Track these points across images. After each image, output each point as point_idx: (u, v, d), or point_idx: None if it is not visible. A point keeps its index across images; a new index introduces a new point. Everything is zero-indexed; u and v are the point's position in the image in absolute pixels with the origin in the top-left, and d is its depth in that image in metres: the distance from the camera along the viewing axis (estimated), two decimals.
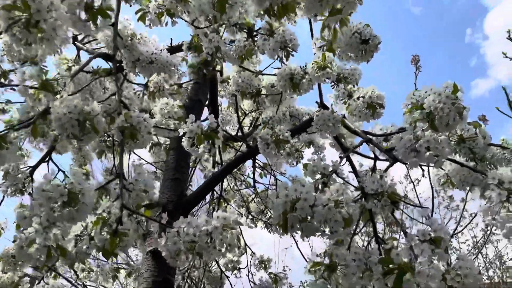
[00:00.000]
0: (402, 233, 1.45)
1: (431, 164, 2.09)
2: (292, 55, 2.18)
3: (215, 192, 4.82)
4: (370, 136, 2.39)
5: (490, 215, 1.43)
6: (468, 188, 2.87)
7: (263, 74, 2.71)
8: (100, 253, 1.14)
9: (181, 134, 1.77)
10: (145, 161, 3.94)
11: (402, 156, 2.06)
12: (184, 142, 1.77)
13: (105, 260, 1.68)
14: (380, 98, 2.07)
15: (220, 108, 4.53)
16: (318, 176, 1.72)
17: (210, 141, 1.80)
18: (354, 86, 2.20)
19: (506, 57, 2.75)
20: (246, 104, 3.31)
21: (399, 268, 1.27)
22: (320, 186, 1.68)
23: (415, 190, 3.71)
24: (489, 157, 2.64)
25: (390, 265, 1.32)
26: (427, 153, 1.97)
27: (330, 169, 1.73)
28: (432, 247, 1.43)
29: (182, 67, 2.60)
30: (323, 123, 2.43)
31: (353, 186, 1.74)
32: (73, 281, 3.38)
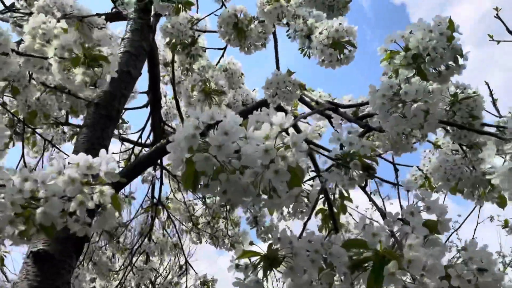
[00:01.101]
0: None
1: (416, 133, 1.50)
2: None
3: (154, 199, 4.18)
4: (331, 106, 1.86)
5: None
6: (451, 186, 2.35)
7: (199, 20, 2.14)
8: None
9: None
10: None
11: (379, 113, 1.46)
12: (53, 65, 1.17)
13: None
14: (351, 33, 1.56)
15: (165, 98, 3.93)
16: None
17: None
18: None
19: None
20: (179, 62, 2.72)
21: (377, 256, 0.91)
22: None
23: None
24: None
25: (363, 252, 0.73)
26: (414, 105, 1.41)
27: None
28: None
29: None
30: (277, 87, 1.88)
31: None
32: None
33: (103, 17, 2.78)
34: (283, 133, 0.98)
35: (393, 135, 1.70)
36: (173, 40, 2.03)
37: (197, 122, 0.96)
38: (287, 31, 1.95)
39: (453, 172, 2.36)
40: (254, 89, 3.59)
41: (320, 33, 1.52)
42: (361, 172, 1.33)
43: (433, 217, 1.20)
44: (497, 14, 2.81)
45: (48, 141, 3.56)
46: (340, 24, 1.51)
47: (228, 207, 3.26)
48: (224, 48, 2.16)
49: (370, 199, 1.36)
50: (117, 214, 1.11)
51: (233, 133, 0.94)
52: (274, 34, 2.23)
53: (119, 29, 3.19)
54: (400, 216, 1.23)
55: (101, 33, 1.36)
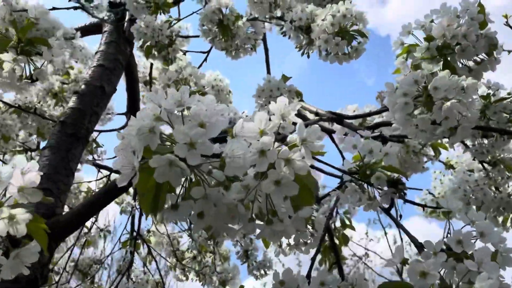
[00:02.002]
0: None
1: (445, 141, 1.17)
2: None
3: (134, 232, 3.79)
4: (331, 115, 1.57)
5: None
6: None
7: (179, 20, 1.85)
8: None
9: None
10: None
11: (399, 116, 1.06)
12: None
13: None
14: (361, 20, 1.27)
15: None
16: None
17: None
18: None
19: None
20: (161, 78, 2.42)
21: None
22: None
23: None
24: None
25: None
26: (447, 104, 1.07)
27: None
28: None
29: None
30: (270, 96, 1.59)
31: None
32: None
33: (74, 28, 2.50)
34: (286, 125, 0.67)
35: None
36: (148, 42, 1.73)
37: (158, 110, 0.65)
38: (281, 27, 1.67)
39: (474, 194, 2.04)
40: (244, 112, 3.31)
41: (323, 19, 1.23)
42: (386, 188, 1.03)
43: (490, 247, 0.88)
44: (506, 22, 2.59)
45: None
46: (347, 9, 1.23)
47: (214, 239, 2.91)
48: (208, 52, 1.87)
49: (399, 225, 1.03)
50: (39, 250, 0.77)
51: (213, 125, 0.63)
52: (264, 37, 1.95)
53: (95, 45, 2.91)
54: (443, 247, 0.91)
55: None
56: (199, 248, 3.40)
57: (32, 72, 1.06)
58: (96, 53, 2.73)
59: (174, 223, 3.36)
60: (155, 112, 0.65)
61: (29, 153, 3.26)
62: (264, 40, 2.28)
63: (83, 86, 2.50)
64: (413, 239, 0.99)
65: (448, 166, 2.41)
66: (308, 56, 1.55)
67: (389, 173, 1.07)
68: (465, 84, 1.18)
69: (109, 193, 2.14)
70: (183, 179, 0.69)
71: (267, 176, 0.68)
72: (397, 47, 1.34)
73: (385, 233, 5.76)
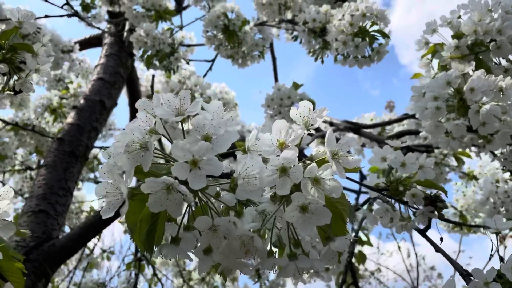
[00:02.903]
0: None
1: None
2: None
3: (138, 252, 3.66)
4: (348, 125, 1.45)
5: None
6: None
7: (181, 28, 1.74)
8: None
9: None
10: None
11: (428, 123, 0.84)
12: None
13: None
14: (382, 17, 1.13)
15: None
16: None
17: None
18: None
19: None
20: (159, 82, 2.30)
21: None
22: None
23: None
24: None
25: None
26: (486, 107, 0.87)
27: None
28: None
29: None
30: (280, 105, 1.47)
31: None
32: None
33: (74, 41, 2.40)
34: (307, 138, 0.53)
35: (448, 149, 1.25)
36: (149, 52, 1.61)
37: (152, 120, 0.52)
38: (291, 32, 1.54)
39: (505, 206, 1.89)
40: (250, 125, 3.18)
41: (340, 19, 1.10)
42: (423, 207, 0.89)
43: None
44: None
45: (15, 192, 3.08)
46: (367, 7, 1.10)
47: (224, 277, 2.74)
48: (213, 60, 1.75)
49: (438, 249, 0.89)
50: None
51: (221, 138, 0.50)
52: (271, 45, 1.84)
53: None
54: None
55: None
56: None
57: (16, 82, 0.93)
58: (96, 66, 2.63)
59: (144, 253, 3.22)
60: (147, 122, 0.52)
61: (28, 172, 3.14)
62: (271, 48, 2.15)
63: (82, 101, 2.38)
64: (457, 267, 0.84)
65: (471, 177, 2.26)
66: (322, 62, 1.43)
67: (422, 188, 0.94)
68: (504, 85, 1.05)
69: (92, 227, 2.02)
70: (184, 206, 0.56)
71: (289, 200, 0.54)
72: (421, 47, 1.21)
73: (399, 248, 5.56)
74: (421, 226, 0.94)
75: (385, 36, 1.17)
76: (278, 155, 0.51)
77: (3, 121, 2.52)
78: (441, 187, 0.89)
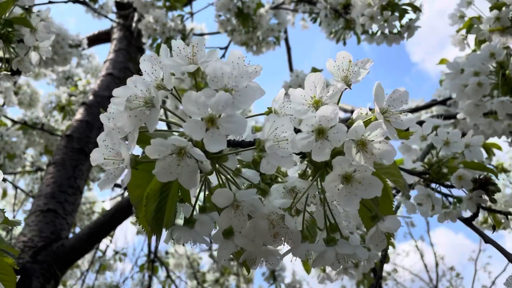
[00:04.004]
0: None
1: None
2: None
3: (151, 253, 3.59)
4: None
5: None
6: None
7: (192, 15, 1.65)
8: None
9: None
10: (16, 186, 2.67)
11: (466, 105, 0.67)
12: None
13: None
14: None
15: None
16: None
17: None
18: None
19: None
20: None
21: None
22: None
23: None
24: None
25: None
26: None
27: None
28: None
29: None
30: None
31: None
32: None
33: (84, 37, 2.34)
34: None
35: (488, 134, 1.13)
36: (158, 40, 1.53)
37: (159, 73, 0.43)
38: (310, 13, 1.44)
39: None
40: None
41: None
42: (471, 191, 0.78)
43: None
44: None
45: (26, 193, 3.02)
46: None
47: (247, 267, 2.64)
48: (226, 48, 1.66)
49: (489, 240, 0.78)
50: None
51: (244, 92, 0.41)
52: (286, 36, 1.75)
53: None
54: None
55: None
56: (222, 269, 3.15)
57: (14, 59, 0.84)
58: (105, 61, 2.56)
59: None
60: (155, 77, 0.43)
61: (39, 173, 3.08)
62: (286, 38, 2.05)
63: (91, 97, 2.31)
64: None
65: (500, 169, 2.13)
66: (344, 43, 1.33)
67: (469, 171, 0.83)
68: None
69: (120, 213, 1.93)
70: (199, 179, 0.46)
71: (327, 170, 0.44)
72: (455, 22, 1.11)
73: (417, 247, 5.39)
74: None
75: (416, 9, 1.07)
76: (315, 115, 0.42)
77: (12, 120, 2.46)
78: (491, 169, 0.78)
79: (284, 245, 0.50)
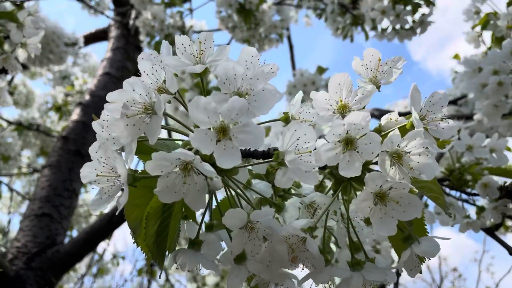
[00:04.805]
0: None
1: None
2: None
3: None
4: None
5: None
6: None
7: (192, 11, 1.59)
8: None
9: None
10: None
11: (485, 105, 0.57)
12: None
13: None
14: None
15: None
16: None
17: None
18: None
19: None
20: None
21: None
22: None
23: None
24: None
25: None
26: None
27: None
28: None
29: None
30: (303, 91, 1.29)
31: None
32: None
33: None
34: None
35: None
36: (157, 37, 1.47)
37: (161, 74, 0.37)
38: (315, 8, 1.39)
39: None
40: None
41: None
42: (496, 200, 0.72)
43: None
44: None
45: (22, 196, 2.95)
46: None
47: None
48: (227, 44, 1.60)
49: None
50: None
51: (260, 96, 0.35)
52: (289, 34, 1.69)
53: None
54: None
55: None
56: (222, 273, 3.09)
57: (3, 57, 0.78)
58: (102, 60, 2.49)
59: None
60: (156, 79, 0.37)
61: (35, 175, 3.01)
62: (289, 36, 1.99)
63: (87, 97, 2.25)
64: None
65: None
66: (352, 40, 1.27)
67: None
68: None
69: (117, 217, 1.87)
70: (207, 196, 0.40)
71: (351, 182, 0.39)
72: (470, 17, 1.05)
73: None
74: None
75: (430, 3, 1.01)
76: (343, 123, 0.36)
77: (7, 121, 2.40)
78: None
79: (303, 268, 0.44)
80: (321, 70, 1.40)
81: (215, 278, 3.17)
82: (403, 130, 0.38)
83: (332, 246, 0.62)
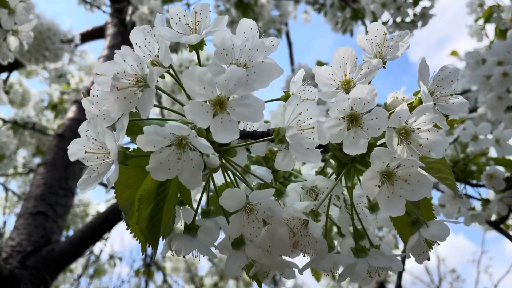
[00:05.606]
0: None
1: None
2: None
3: (147, 257, 3.50)
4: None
5: None
6: None
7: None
8: None
9: None
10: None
11: (489, 98, 0.53)
12: None
13: None
14: None
15: None
16: None
17: None
18: None
19: None
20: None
21: None
22: None
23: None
24: None
25: None
26: None
27: None
28: None
29: None
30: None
31: None
32: None
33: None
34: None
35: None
36: None
37: (155, 47, 0.35)
38: (313, 3, 1.37)
39: None
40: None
41: None
42: (502, 192, 0.70)
43: None
44: None
45: (18, 196, 2.92)
46: None
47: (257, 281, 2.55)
48: None
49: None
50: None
51: (260, 68, 0.33)
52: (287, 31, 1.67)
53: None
54: None
55: None
56: (220, 273, 3.06)
57: None
58: (99, 58, 2.47)
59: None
60: (149, 51, 0.35)
61: (31, 175, 2.98)
62: (287, 33, 1.98)
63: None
64: None
65: None
66: (351, 34, 1.25)
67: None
68: None
69: (113, 215, 1.84)
70: (203, 177, 0.38)
71: (354, 164, 0.36)
72: (473, 10, 1.03)
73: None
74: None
75: None
76: (349, 97, 0.34)
77: (2, 119, 2.37)
78: None
79: (304, 255, 0.42)
80: (320, 64, 1.38)
81: (213, 279, 3.15)
82: (411, 108, 0.36)
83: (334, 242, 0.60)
